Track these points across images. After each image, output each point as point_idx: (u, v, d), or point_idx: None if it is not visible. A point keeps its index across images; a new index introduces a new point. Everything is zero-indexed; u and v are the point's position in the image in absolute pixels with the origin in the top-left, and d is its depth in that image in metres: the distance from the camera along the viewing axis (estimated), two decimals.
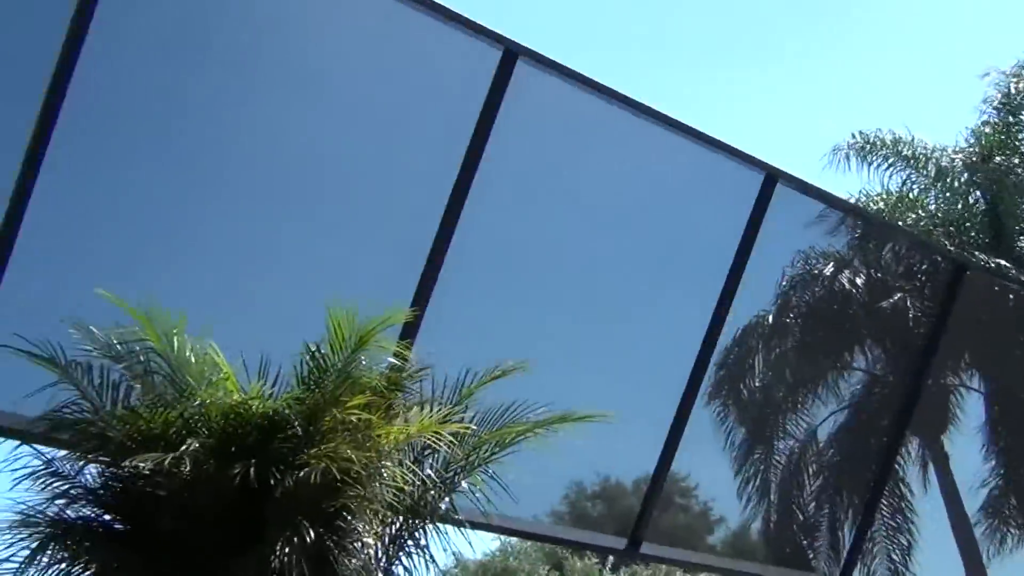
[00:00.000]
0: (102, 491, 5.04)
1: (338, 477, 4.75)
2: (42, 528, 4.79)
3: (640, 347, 7.60)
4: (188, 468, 4.64)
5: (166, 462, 4.61)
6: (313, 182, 6.60)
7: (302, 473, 4.67)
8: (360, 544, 5.14)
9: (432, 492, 5.38)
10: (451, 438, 5.16)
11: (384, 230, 6.73)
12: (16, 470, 4.88)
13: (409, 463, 5.23)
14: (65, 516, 4.96)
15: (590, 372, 7.37)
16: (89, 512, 5.04)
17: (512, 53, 6.49)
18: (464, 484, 5.44)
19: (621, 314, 7.58)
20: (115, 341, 5.07)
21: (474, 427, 5.39)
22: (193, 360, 5.10)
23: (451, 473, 5.46)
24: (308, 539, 4.74)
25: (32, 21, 5.70)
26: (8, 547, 4.77)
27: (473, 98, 6.51)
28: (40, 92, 5.51)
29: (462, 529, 5.50)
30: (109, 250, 6.13)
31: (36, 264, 5.81)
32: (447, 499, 5.43)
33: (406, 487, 5.08)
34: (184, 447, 4.63)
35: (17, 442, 4.91)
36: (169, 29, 6.03)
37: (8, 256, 5.57)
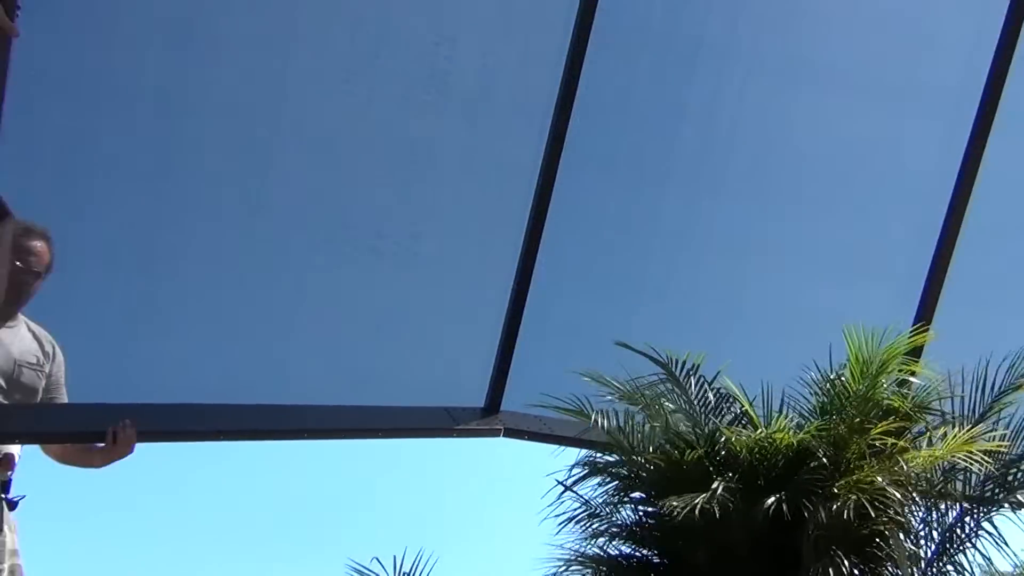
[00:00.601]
0: (636, 528, 5.32)
1: (868, 506, 4.68)
2: (595, 565, 5.13)
3: None
4: (719, 504, 4.75)
5: (699, 500, 4.75)
6: (806, 177, 6.30)
7: (835, 505, 4.63)
8: (896, 571, 5.02)
9: (968, 514, 5.14)
10: (983, 456, 4.90)
11: (882, 231, 6.35)
12: (559, 515, 5.27)
13: (940, 484, 5.03)
14: (607, 553, 5.29)
15: None
16: (627, 549, 5.33)
17: None
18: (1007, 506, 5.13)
19: None
20: (633, 386, 5.32)
21: (1005, 445, 5.07)
22: (711, 397, 5.25)
23: (987, 492, 5.17)
24: (844, 569, 4.70)
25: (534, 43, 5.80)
26: None
27: (981, 51, 5.95)
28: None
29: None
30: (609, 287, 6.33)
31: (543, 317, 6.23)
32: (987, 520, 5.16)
33: (939, 511, 4.90)
34: (715, 486, 4.74)
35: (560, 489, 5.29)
36: (662, 32, 5.93)
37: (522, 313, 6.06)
